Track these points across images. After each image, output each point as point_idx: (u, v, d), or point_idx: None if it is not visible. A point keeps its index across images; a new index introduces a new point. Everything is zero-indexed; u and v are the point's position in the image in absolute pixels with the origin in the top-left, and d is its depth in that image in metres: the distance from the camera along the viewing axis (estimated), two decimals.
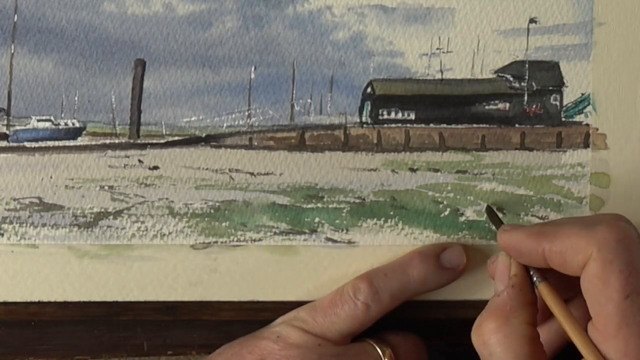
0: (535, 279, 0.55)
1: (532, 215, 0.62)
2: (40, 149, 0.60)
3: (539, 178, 0.62)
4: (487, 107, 0.62)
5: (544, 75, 0.62)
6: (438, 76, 0.62)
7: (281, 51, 0.61)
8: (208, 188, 0.61)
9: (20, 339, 0.62)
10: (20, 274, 0.60)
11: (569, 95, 0.62)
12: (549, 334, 0.57)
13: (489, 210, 0.60)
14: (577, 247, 0.51)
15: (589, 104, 0.62)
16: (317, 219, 0.61)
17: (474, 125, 0.62)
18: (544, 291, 0.54)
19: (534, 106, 0.62)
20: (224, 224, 0.61)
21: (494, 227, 0.60)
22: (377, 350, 0.58)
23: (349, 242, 0.61)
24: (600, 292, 0.50)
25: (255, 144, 0.61)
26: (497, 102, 0.62)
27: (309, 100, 0.61)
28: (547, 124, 0.62)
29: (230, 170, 0.61)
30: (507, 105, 0.62)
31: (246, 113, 0.61)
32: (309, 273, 0.61)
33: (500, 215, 0.61)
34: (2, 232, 0.60)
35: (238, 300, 0.61)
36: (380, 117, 0.62)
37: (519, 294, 0.54)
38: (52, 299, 0.60)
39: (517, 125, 0.62)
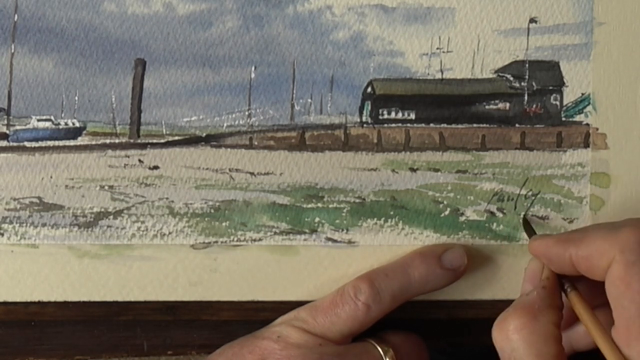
0: (566, 286, 0.55)
1: (532, 215, 0.62)
2: (40, 148, 0.60)
3: (539, 178, 0.62)
4: (487, 107, 0.62)
5: (544, 75, 0.62)
6: (438, 76, 0.62)
7: (281, 51, 0.61)
8: (208, 188, 0.61)
9: (20, 339, 0.62)
10: (20, 274, 0.60)
11: (569, 95, 0.62)
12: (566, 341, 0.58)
13: (525, 221, 0.61)
14: (602, 250, 0.51)
15: (589, 103, 0.62)
16: (317, 219, 0.61)
17: (474, 125, 0.62)
18: (574, 299, 0.54)
19: (534, 106, 0.62)
20: (224, 224, 0.61)
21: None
22: (378, 350, 0.58)
23: (349, 242, 0.61)
24: (623, 294, 0.50)
25: (256, 143, 0.61)
26: (497, 101, 0.62)
27: (309, 100, 0.61)
28: (547, 124, 0.62)
29: (230, 170, 0.61)
30: (507, 105, 0.62)
31: (246, 113, 0.61)
32: (309, 273, 0.61)
33: (501, 214, 0.61)
34: (2, 232, 0.60)
35: (238, 300, 0.61)
36: (380, 117, 0.62)
37: (549, 296, 0.54)
38: (52, 299, 0.60)
39: (517, 125, 0.62)
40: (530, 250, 0.57)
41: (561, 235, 0.55)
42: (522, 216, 0.62)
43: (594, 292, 0.54)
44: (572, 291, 0.55)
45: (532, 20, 0.62)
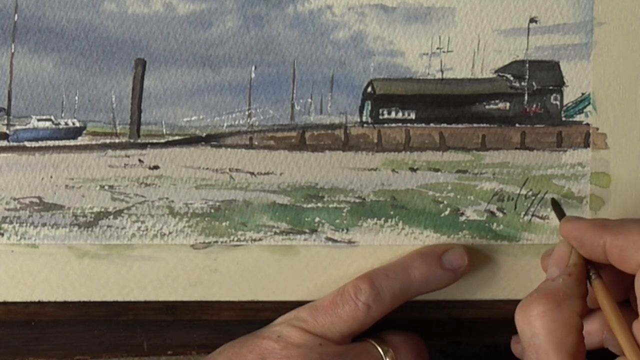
0: (591, 273, 0.54)
1: (532, 215, 0.62)
2: (40, 148, 0.60)
3: (539, 178, 0.62)
4: (487, 107, 0.62)
5: (544, 75, 0.62)
6: (438, 76, 0.62)
7: (281, 51, 0.61)
8: (208, 188, 0.61)
9: (20, 339, 0.62)
10: (20, 274, 0.60)
11: (569, 95, 0.62)
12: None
13: (554, 203, 0.60)
14: (639, 243, 0.51)
15: (589, 103, 0.62)
16: (317, 219, 0.61)
17: (474, 125, 0.62)
18: (598, 287, 0.53)
19: (534, 106, 0.62)
20: (224, 224, 0.61)
21: (557, 220, 0.59)
22: (378, 350, 0.58)
23: (349, 242, 0.61)
24: None
25: (256, 143, 0.61)
26: (497, 101, 0.62)
27: (310, 100, 0.61)
28: (547, 124, 0.62)
29: (230, 170, 0.61)
30: (508, 104, 0.62)
31: (246, 112, 0.61)
32: (309, 273, 0.61)
33: (501, 214, 0.61)
34: (2, 232, 0.60)
35: (238, 300, 0.61)
36: (380, 117, 0.62)
37: (575, 284, 0.53)
38: (52, 299, 0.60)
39: (517, 125, 0.62)
40: (562, 232, 0.56)
41: (597, 220, 0.54)
42: (551, 198, 0.61)
43: (616, 285, 0.54)
44: (597, 279, 0.54)
45: (532, 20, 0.62)
